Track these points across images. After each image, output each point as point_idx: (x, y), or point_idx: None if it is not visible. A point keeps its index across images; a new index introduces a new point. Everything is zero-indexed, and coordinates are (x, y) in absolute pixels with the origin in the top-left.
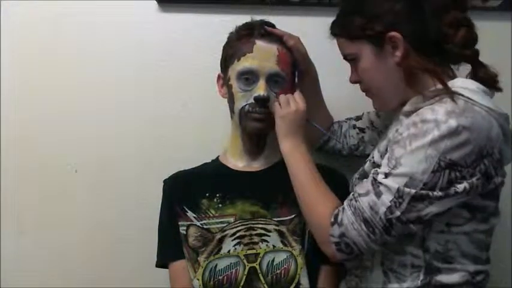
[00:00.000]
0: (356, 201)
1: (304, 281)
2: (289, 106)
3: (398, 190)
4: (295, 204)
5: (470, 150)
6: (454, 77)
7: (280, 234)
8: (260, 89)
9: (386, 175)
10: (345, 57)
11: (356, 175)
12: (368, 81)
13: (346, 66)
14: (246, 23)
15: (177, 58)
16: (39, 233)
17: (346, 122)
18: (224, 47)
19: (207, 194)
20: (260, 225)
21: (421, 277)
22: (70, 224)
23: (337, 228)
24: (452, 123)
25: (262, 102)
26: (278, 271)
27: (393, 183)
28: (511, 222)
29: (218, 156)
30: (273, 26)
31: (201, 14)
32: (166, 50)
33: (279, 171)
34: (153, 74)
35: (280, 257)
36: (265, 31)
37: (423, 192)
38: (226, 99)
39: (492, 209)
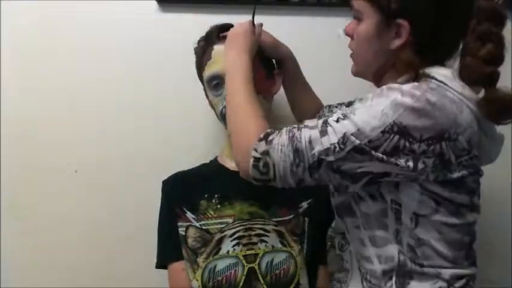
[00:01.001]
0: (298, 129)
1: (304, 281)
2: (235, 27)
3: (344, 135)
4: (293, 204)
5: (429, 126)
6: None
7: (279, 234)
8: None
9: (338, 120)
10: (351, 8)
11: None
12: (356, 46)
13: (346, 66)
14: (205, 32)
15: (177, 58)
16: (39, 233)
17: (337, 106)
18: (195, 63)
19: (206, 195)
20: (259, 226)
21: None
22: (70, 224)
23: (263, 145)
24: (417, 93)
25: None
26: (277, 271)
27: (342, 128)
28: (511, 222)
29: (216, 156)
30: (231, 26)
31: (201, 14)
32: (166, 50)
33: None
34: (153, 74)
35: (279, 257)
36: (220, 35)
37: (366, 148)
38: None
39: (464, 202)
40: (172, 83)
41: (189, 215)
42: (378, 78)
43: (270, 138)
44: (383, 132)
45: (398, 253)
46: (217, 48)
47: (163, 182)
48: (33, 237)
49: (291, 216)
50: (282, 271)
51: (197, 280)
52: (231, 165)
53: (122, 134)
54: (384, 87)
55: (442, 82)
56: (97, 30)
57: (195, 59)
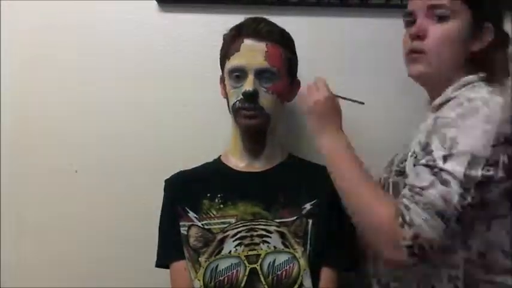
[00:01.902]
0: (421, 195)
1: (307, 283)
2: (313, 96)
3: (465, 175)
4: (296, 206)
5: None
6: None
7: (282, 235)
8: (248, 84)
9: (445, 158)
10: (433, 7)
11: (385, 174)
12: (436, 45)
13: (346, 67)
14: (238, 23)
15: (177, 58)
16: (39, 233)
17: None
18: (220, 49)
19: (208, 195)
20: (261, 226)
21: None
22: (70, 224)
23: (408, 230)
24: (499, 99)
25: (250, 98)
26: (279, 272)
27: (456, 166)
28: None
29: (220, 156)
30: (264, 22)
31: (201, 14)
32: (166, 50)
33: (281, 172)
34: (153, 74)
35: (281, 258)
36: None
37: (487, 173)
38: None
39: None
40: (173, 83)
41: (191, 214)
42: (443, 85)
43: (408, 219)
44: (493, 146)
45: (464, 262)
46: (248, 42)
47: (166, 181)
48: (33, 237)
49: (294, 218)
50: (284, 272)
51: (199, 280)
52: (234, 164)
53: (122, 134)
54: (461, 100)
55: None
56: (97, 30)
57: (221, 45)
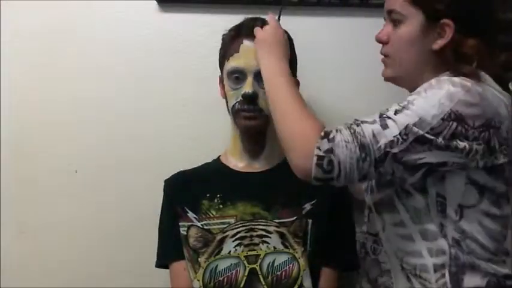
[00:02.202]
0: (357, 125)
1: (307, 283)
2: (264, 29)
3: (406, 127)
4: (296, 206)
5: (480, 114)
6: None
7: (281, 235)
8: (247, 86)
9: (397, 112)
10: (389, 13)
11: None
12: (395, 49)
13: (346, 66)
14: (237, 24)
15: (177, 58)
16: (39, 233)
17: None
18: (219, 49)
19: (208, 195)
20: (261, 227)
21: (449, 286)
22: (70, 224)
23: (326, 143)
24: (467, 84)
25: (250, 99)
26: (278, 273)
27: (404, 118)
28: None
29: (219, 156)
30: (263, 21)
31: (201, 14)
32: (166, 50)
33: (280, 172)
34: (153, 74)
35: (280, 258)
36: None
37: (428, 136)
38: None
39: (503, 192)
40: (173, 83)
41: (190, 214)
42: (414, 84)
43: (331, 136)
44: (443, 119)
45: (449, 247)
46: (247, 43)
47: (165, 181)
48: (33, 238)
49: (294, 218)
50: (283, 272)
51: (198, 280)
52: (234, 164)
53: (122, 134)
54: (432, 80)
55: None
56: (97, 30)
57: (220, 46)
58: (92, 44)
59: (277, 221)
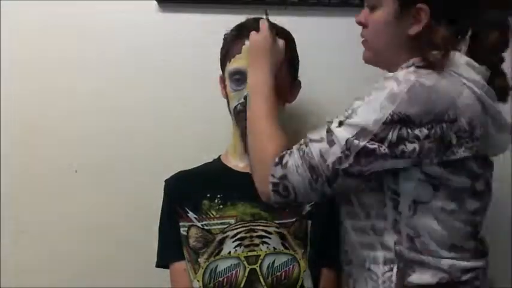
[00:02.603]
0: (306, 145)
1: (308, 284)
2: (253, 36)
3: (347, 141)
4: (297, 207)
5: (428, 110)
6: None
7: (281, 236)
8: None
9: (340, 123)
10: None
11: None
12: (371, 34)
13: (346, 66)
14: (239, 23)
15: (177, 58)
16: (39, 233)
17: None
18: (221, 49)
19: (208, 195)
20: (261, 227)
21: (394, 280)
22: (70, 224)
23: (279, 169)
24: (411, 78)
25: None
26: (278, 273)
27: (344, 133)
28: (510, 222)
29: (220, 155)
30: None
31: (201, 14)
32: (167, 50)
33: None
34: (153, 74)
35: (280, 259)
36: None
37: (370, 146)
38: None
39: (463, 186)
40: (173, 83)
41: (191, 215)
42: (393, 66)
43: (284, 161)
44: (385, 123)
45: (394, 244)
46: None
47: (166, 181)
48: (33, 237)
49: (294, 219)
50: (283, 273)
51: (198, 281)
52: (234, 165)
53: (122, 134)
54: (381, 78)
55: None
56: (97, 30)
57: (221, 46)
58: (92, 44)
59: (277, 221)
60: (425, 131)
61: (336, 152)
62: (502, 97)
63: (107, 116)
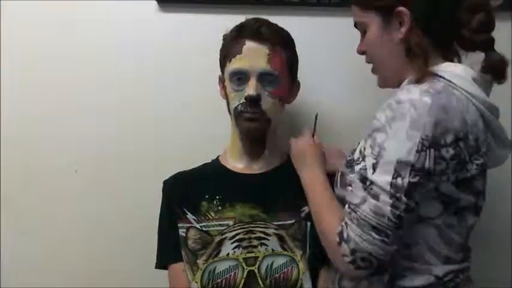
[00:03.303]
0: (356, 212)
1: (307, 285)
2: (297, 142)
3: (391, 185)
4: (295, 208)
5: (448, 129)
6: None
7: (280, 238)
8: (250, 88)
9: (374, 167)
10: (355, 26)
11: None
12: (371, 54)
13: (346, 67)
14: (239, 23)
15: (176, 58)
16: (39, 233)
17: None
18: (220, 49)
19: (207, 196)
20: (259, 229)
21: (385, 279)
22: (70, 224)
23: (345, 246)
24: (427, 100)
25: (253, 101)
26: (277, 275)
27: (383, 177)
28: (510, 222)
29: (218, 156)
30: (266, 23)
31: (201, 14)
32: (166, 50)
33: (279, 175)
34: (153, 74)
35: (279, 261)
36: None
37: (414, 180)
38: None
39: (468, 204)
40: (172, 83)
41: (189, 216)
42: (400, 77)
43: (345, 236)
44: (418, 151)
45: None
46: (250, 44)
47: (164, 182)
48: (33, 237)
49: (293, 221)
50: (282, 275)
51: (196, 282)
52: (233, 166)
53: (122, 134)
54: (392, 102)
55: (449, 81)
56: (97, 30)
57: (221, 46)
58: (92, 44)
59: (275, 223)
60: (451, 151)
61: (385, 201)
62: (499, 74)
63: (106, 116)
